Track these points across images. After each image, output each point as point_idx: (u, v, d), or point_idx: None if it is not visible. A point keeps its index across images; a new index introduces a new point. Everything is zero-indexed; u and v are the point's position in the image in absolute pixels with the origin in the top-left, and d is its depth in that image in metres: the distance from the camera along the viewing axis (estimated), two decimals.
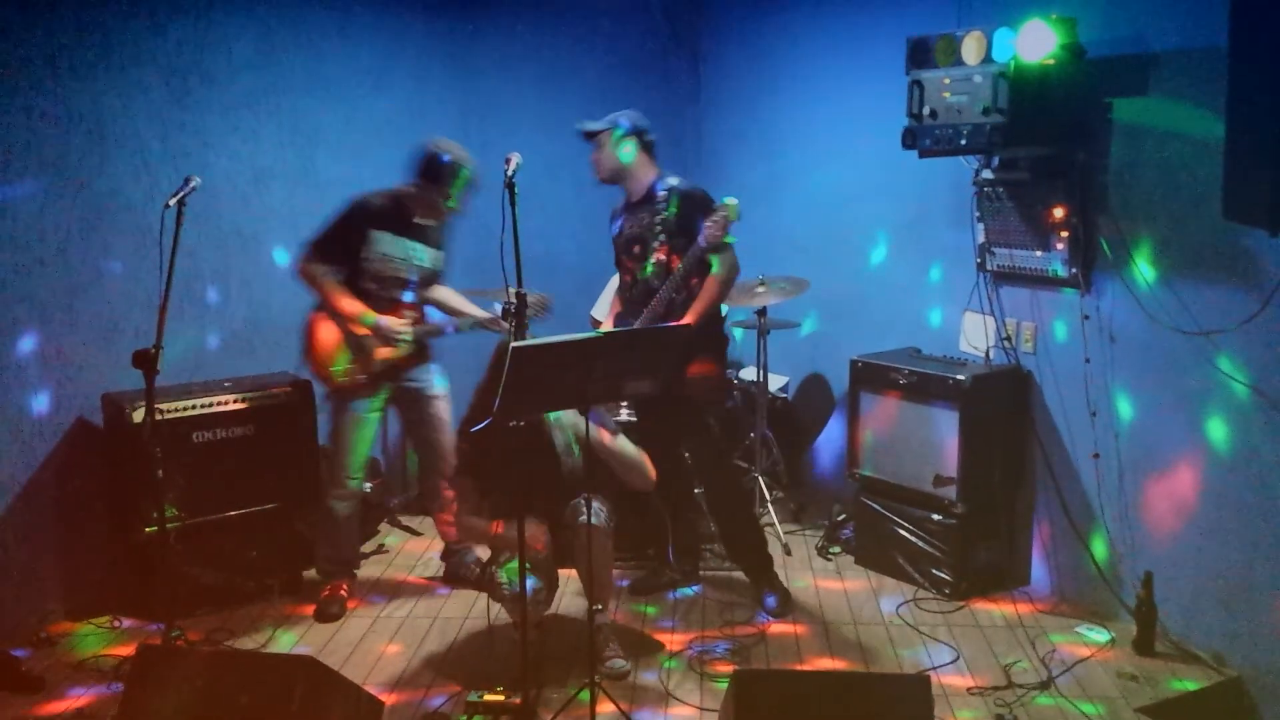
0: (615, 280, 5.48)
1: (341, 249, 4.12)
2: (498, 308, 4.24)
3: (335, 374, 4.17)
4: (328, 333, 4.16)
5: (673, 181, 4.10)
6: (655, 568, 4.54)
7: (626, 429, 4.53)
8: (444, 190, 4.13)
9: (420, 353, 4.33)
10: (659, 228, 4.04)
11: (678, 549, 4.53)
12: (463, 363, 4.63)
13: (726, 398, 4.36)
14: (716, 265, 3.99)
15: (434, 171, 4.13)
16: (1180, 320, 3.72)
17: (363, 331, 4.14)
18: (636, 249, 4.12)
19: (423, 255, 4.24)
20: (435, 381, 4.39)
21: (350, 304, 4.13)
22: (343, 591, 4.33)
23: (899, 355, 4.66)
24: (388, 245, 4.14)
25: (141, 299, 4.33)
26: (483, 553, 4.29)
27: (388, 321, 4.15)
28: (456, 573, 4.57)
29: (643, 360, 3.32)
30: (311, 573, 4.54)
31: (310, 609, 4.30)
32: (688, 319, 3.95)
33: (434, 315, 4.41)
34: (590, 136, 4.13)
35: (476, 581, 4.41)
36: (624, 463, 3.70)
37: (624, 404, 4.52)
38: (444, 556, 4.66)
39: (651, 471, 3.75)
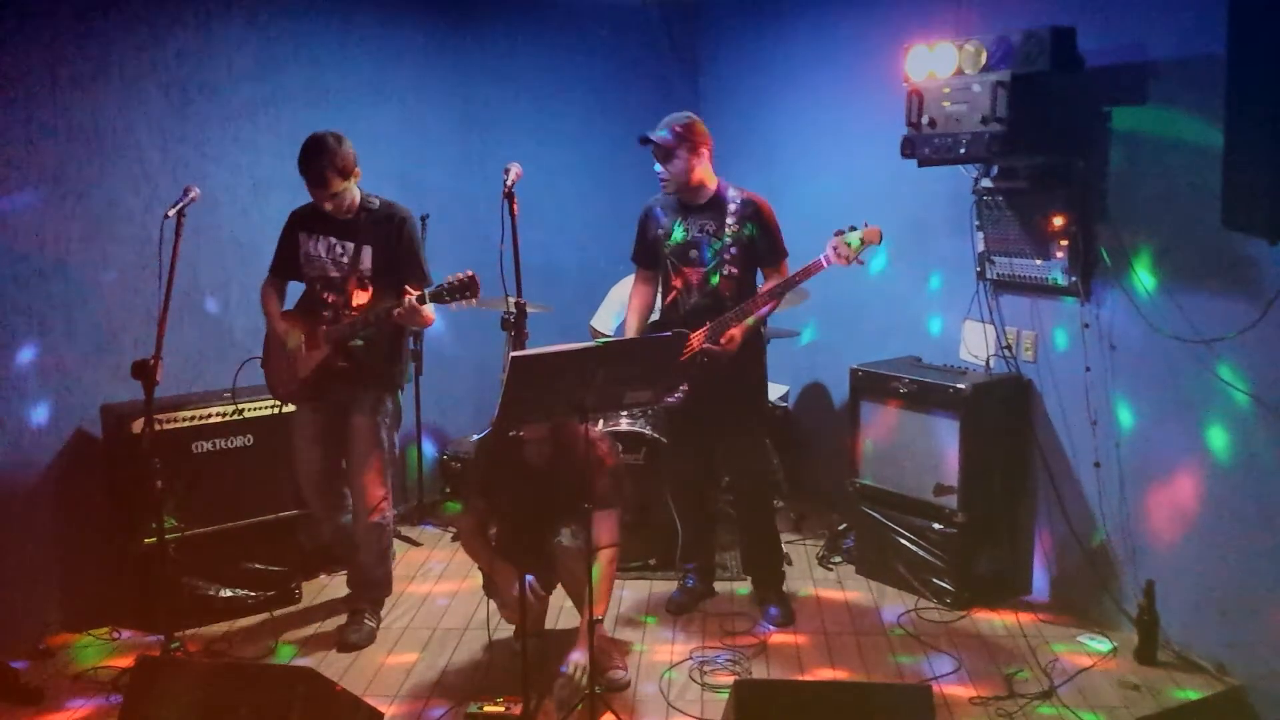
0: (617, 289, 5.49)
1: (282, 260, 4.08)
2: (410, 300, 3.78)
3: (275, 385, 4.07)
4: (270, 345, 4.09)
5: (744, 193, 4.08)
6: (686, 586, 4.45)
7: (671, 411, 4.31)
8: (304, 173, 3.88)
9: (337, 369, 3.95)
10: (729, 239, 4.01)
11: (701, 567, 4.48)
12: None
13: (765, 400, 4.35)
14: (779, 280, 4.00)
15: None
16: (1180, 328, 3.72)
17: (276, 338, 4.04)
18: (693, 254, 4.06)
19: (344, 253, 3.97)
20: (358, 406, 4.03)
21: (270, 311, 4.06)
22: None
23: (899, 364, 4.66)
24: (309, 245, 4.01)
25: (140, 309, 4.33)
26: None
27: (286, 327, 4.01)
28: (346, 639, 4.08)
29: (643, 370, 3.31)
30: (309, 583, 4.54)
31: (309, 622, 4.30)
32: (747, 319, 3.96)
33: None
34: (652, 144, 4.04)
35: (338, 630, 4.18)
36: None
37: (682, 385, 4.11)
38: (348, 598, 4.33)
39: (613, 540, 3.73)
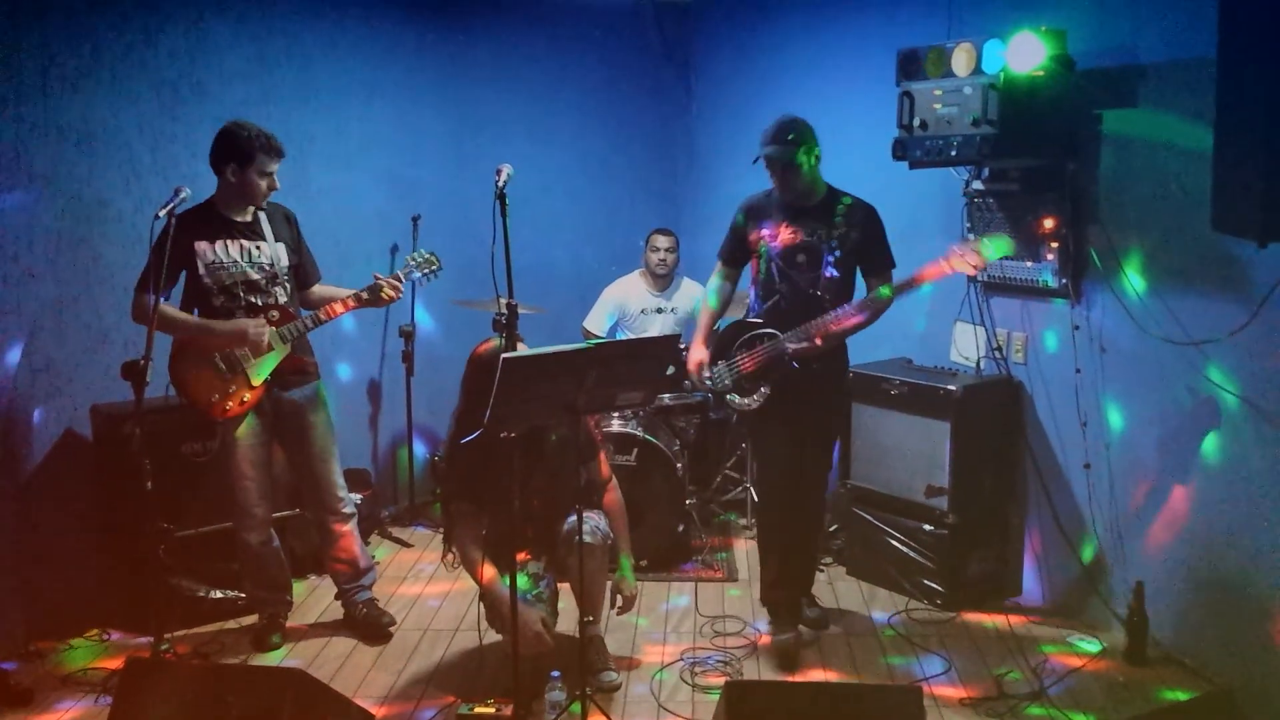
0: (610, 290, 5.49)
1: (168, 275, 3.71)
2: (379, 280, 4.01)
3: (216, 403, 3.85)
4: (193, 363, 3.85)
5: (850, 197, 3.96)
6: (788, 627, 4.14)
7: (760, 429, 4.13)
8: (254, 162, 3.80)
9: (297, 367, 3.97)
10: (835, 243, 3.89)
11: (790, 602, 4.12)
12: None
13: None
14: (888, 290, 3.85)
15: (238, 148, 3.79)
16: (1170, 330, 3.73)
17: (224, 345, 3.83)
18: (800, 258, 3.94)
19: (260, 253, 3.90)
20: (312, 397, 4.05)
21: (195, 322, 3.83)
22: (280, 620, 4.18)
23: (890, 366, 4.67)
24: (213, 254, 3.83)
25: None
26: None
27: (240, 322, 3.82)
28: (353, 614, 4.22)
29: (634, 372, 3.30)
30: (299, 585, 4.53)
31: (302, 625, 4.29)
32: (849, 321, 3.84)
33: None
34: (780, 154, 3.82)
35: (362, 621, 4.20)
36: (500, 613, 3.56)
37: (763, 386, 3.95)
38: (339, 597, 4.30)
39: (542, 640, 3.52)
